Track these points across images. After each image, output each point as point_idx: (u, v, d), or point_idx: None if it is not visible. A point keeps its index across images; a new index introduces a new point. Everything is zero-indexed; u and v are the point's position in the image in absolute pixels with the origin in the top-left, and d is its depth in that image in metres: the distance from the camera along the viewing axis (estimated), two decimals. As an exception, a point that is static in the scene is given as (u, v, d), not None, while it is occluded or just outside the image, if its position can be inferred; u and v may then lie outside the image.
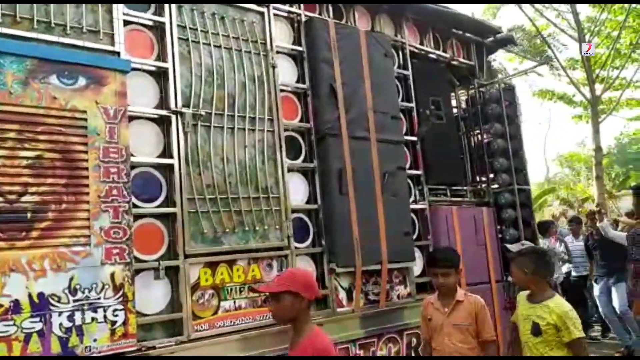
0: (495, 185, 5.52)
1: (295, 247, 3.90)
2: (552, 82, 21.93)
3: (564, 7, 14.64)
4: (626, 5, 14.22)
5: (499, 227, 5.52)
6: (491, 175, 5.55)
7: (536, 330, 2.79)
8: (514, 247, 3.40)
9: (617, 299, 6.02)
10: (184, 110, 3.43)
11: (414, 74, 5.03)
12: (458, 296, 3.17)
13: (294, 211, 3.97)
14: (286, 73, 4.17)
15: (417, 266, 4.66)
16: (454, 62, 5.61)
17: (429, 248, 4.77)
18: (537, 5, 14.67)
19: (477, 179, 5.66)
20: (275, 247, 3.75)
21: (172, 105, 3.42)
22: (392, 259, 4.34)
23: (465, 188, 5.39)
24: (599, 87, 14.92)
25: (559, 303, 2.82)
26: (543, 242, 6.37)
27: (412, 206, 4.77)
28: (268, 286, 2.43)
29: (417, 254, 4.70)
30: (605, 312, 6.39)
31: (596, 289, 6.42)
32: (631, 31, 15.23)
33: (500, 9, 19.21)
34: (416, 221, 4.81)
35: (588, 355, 2.84)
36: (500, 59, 19.43)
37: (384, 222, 4.31)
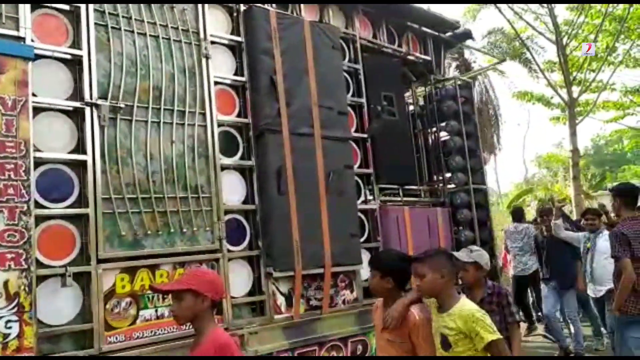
0: (452, 185, 5.33)
1: (229, 250, 3.65)
2: (531, 84, 22.14)
3: (543, 10, 14.71)
4: (603, 9, 14.37)
5: (455, 228, 5.34)
6: (448, 175, 5.36)
7: (445, 344, 2.42)
8: (462, 255, 3.15)
9: (566, 306, 5.87)
10: (99, 102, 3.16)
11: (365, 68, 4.81)
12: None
13: (228, 212, 3.72)
14: (223, 65, 3.92)
15: (365, 269, 4.43)
16: (410, 57, 5.41)
17: (379, 250, 4.56)
18: (516, 8, 14.69)
19: (434, 178, 5.46)
20: (205, 250, 3.50)
21: (87, 97, 3.13)
22: (337, 261, 4.11)
23: (420, 188, 5.20)
24: (576, 90, 15.02)
25: (463, 306, 2.43)
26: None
27: (362, 206, 4.55)
28: (166, 285, 2.21)
29: (366, 256, 4.49)
30: (548, 314, 6.23)
31: (544, 290, 6.25)
32: (607, 35, 15.40)
33: (480, 11, 19.40)
34: (365, 222, 4.60)
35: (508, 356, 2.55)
36: (481, 62, 19.73)
37: (328, 223, 4.09)
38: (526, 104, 19.77)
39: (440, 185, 5.37)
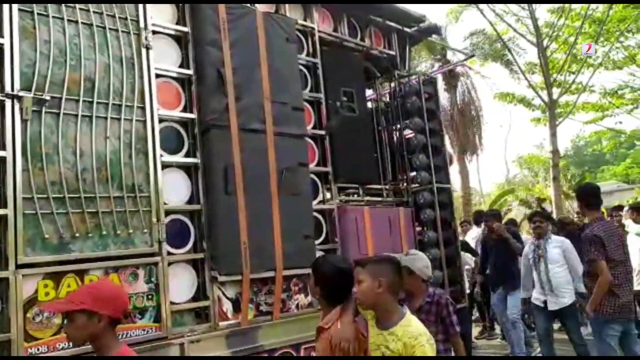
0: (417, 185, 5.16)
1: (170, 253, 3.43)
2: (512, 85, 22.32)
3: (524, 13, 14.90)
4: (582, 12, 14.60)
5: (419, 229, 5.17)
6: (413, 174, 5.19)
7: None
8: (404, 259, 2.96)
9: (509, 307, 5.76)
10: (22, 93, 2.91)
11: (324, 62, 4.61)
12: (326, 321, 2.43)
13: (170, 212, 3.51)
14: (167, 56, 3.70)
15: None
16: (374, 52, 5.23)
17: (337, 252, 4.38)
18: (498, 10, 14.87)
19: (399, 177, 5.28)
20: (142, 253, 3.27)
21: (8, 88, 2.89)
22: (290, 264, 3.91)
23: (382, 187, 5.02)
24: (556, 91, 15.20)
25: (409, 327, 2.19)
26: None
27: (319, 206, 4.37)
28: (56, 304, 1.99)
29: (323, 258, 4.30)
30: (502, 321, 6.15)
31: (493, 297, 6.15)
32: (587, 37, 15.61)
33: (463, 13, 19.48)
34: (323, 223, 4.41)
35: None
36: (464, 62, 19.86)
37: (280, 223, 3.89)
38: (508, 105, 20.21)
39: (404, 184, 5.18)
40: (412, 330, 2.21)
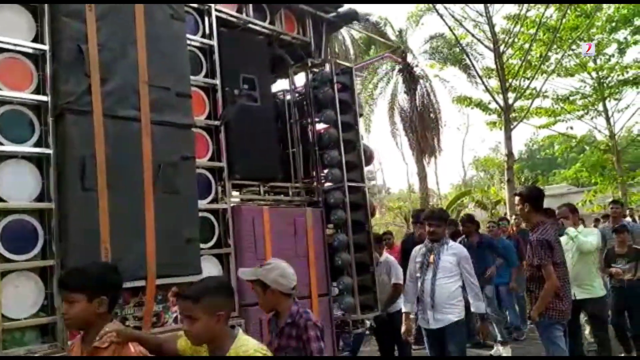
0: (330, 183, 4.73)
1: (7, 260, 2.89)
2: (470, 89, 22.94)
3: (482, 19, 15.13)
4: (537, 19, 14.97)
5: (333, 231, 4.75)
6: (326, 171, 4.76)
7: None
8: (245, 272, 2.58)
9: None
10: None
11: (221, 45, 4.13)
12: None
13: (12, 212, 2.96)
14: (14, 29, 3.14)
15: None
16: (286, 38, 4.78)
17: (229, 258, 3.92)
18: (457, 15, 15.05)
19: (312, 175, 4.84)
20: (-36, 261, 2.72)
21: None
22: (166, 272, 3.42)
23: (289, 185, 4.58)
24: (511, 96, 15.45)
25: (239, 348, 1.97)
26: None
27: (210, 206, 3.90)
28: None
29: (214, 264, 3.84)
30: None
31: None
32: (541, 44, 16.06)
33: (423, 17, 19.58)
34: (216, 224, 3.93)
35: None
36: (423, 65, 20.07)
37: (155, 226, 3.38)
38: (465, 109, 20.56)
39: (315, 183, 4.75)
40: (245, 349, 1.99)
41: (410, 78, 20.46)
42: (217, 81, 4.07)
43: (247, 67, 4.29)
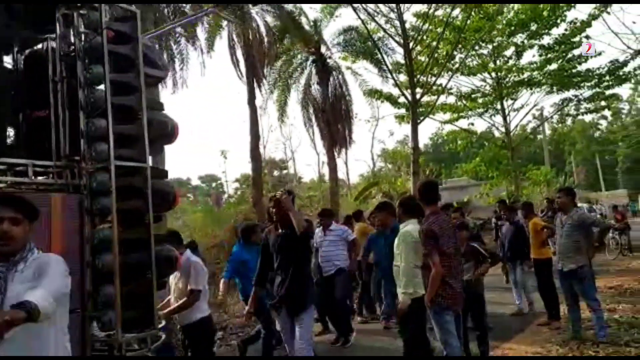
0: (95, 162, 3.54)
1: None
2: (381, 83, 23.21)
3: (393, 15, 15.14)
4: (444, 19, 15.63)
5: (102, 225, 3.57)
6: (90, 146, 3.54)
7: None
8: None
9: None
10: None
11: None
12: None
13: None
14: None
15: None
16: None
17: None
18: (370, 10, 14.91)
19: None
20: None
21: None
22: None
23: (27, 163, 3.35)
24: (419, 91, 15.69)
25: None
26: None
27: None
28: None
29: None
30: None
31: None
32: (447, 43, 16.77)
33: (337, 9, 19.14)
34: None
35: None
36: (336, 57, 19.62)
37: None
38: (376, 102, 20.61)
39: (80, 161, 3.55)
40: None
41: (324, 69, 20.09)
42: None
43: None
